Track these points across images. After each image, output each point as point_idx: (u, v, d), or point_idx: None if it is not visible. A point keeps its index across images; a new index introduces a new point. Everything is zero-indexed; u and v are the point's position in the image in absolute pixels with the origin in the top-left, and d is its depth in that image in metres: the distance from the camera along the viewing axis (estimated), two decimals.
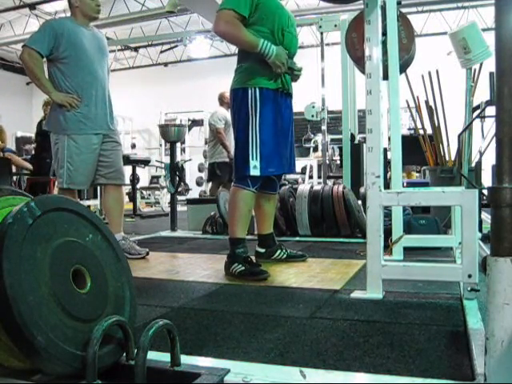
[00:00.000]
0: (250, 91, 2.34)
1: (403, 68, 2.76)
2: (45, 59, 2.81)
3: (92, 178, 2.93)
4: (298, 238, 3.62)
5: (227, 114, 5.62)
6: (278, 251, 2.71)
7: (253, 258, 2.39)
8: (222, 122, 5.76)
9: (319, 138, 8.52)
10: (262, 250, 2.71)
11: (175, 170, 4.28)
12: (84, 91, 2.83)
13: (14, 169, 6.17)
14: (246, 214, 2.41)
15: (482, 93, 3.60)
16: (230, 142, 5.45)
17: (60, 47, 2.77)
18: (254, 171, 2.33)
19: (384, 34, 2.40)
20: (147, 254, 2.97)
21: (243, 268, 2.28)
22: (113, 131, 3.00)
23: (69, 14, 3.00)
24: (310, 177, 8.90)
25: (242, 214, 2.38)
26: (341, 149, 4.88)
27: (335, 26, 4.85)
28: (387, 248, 2.39)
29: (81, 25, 2.87)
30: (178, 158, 5.08)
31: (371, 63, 1.92)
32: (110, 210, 3.02)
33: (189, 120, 11.86)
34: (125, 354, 1.10)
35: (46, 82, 2.80)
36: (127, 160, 6.49)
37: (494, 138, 1.02)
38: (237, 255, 2.34)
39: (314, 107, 5.74)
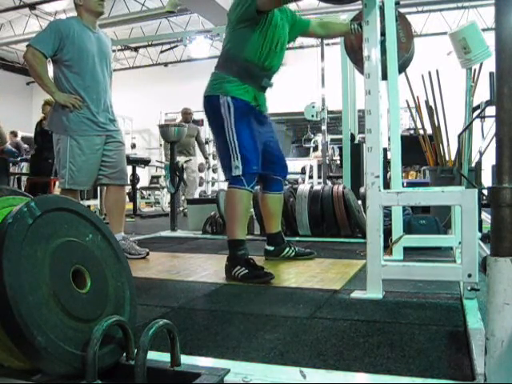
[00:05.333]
0: (221, 99, 2.36)
1: (402, 68, 2.76)
2: (49, 59, 2.82)
3: (94, 179, 2.93)
4: (298, 238, 3.62)
5: None
6: (287, 249, 2.76)
7: (255, 259, 2.37)
8: None
9: (319, 138, 8.53)
10: (271, 248, 2.77)
11: (175, 170, 4.28)
12: (86, 93, 2.83)
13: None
14: (244, 214, 2.40)
15: (482, 93, 3.60)
16: None
17: (64, 49, 2.77)
18: (236, 171, 2.34)
19: (383, 34, 2.41)
20: (147, 254, 2.97)
21: (246, 271, 2.23)
22: (116, 131, 3.00)
23: (69, 14, 3.00)
24: (310, 177, 8.90)
25: (239, 214, 2.37)
26: (341, 149, 4.89)
27: None
28: (387, 248, 2.39)
29: (87, 25, 2.87)
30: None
31: (370, 63, 1.92)
32: (111, 209, 3.02)
33: None
34: (125, 354, 1.10)
35: (48, 82, 2.80)
36: (127, 160, 6.49)
37: (494, 138, 1.02)
38: (238, 257, 2.30)
39: (314, 107, 5.74)
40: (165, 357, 1.11)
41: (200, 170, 10.46)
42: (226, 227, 2.44)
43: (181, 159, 7.24)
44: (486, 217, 3.58)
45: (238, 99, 2.36)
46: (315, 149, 10.18)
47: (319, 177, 8.16)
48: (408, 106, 4.33)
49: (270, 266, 2.51)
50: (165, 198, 8.75)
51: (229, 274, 2.30)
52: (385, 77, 2.48)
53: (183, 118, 7.33)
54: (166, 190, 7.26)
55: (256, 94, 2.43)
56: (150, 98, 13.10)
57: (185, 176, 4.81)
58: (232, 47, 2.41)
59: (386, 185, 2.84)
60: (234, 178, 2.36)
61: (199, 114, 11.64)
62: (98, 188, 5.91)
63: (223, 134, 2.37)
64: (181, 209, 6.57)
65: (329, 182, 5.91)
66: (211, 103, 2.41)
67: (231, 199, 2.39)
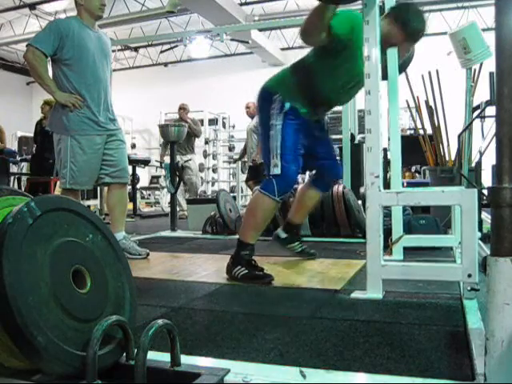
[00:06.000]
0: (277, 96, 2.30)
1: (402, 68, 2.76)
2: (49, 59, 2.82)
3: (95, 178, 2.93)
4: None
5: None
6: (296, 243, 2.76)
7: (256, 259, 2.36)
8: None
9: None
10: (284, 236, 2.74)
11: (175, 170, 4.28)
12: (87, 93, 2.83)
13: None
14: (263, 223, 2.36)
15: (482, 93, 3.61)
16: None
17: (64, 48, 2.77)
18: (275, 170, 2.25)
19: None
20: (147, 254, 2.97)
21: (246, 271, 2.23)
22: (117, 130, 3.00)
23: (69, 14, 3.01)
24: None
25: (258, 221, 2.33)
26: (341, 149, 4.88)
27: None
28: (387, 248, 2.39)
29: (86, 25, 2.87)
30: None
31: (370, 63, 1.92)
32: (113, 208, 3.01)
33: None
34: (125, 354, 1.10)
35: (49, 82, 2.80)
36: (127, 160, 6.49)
37: (494, 138, 1.02)
38: (241, 257, 2.29)
39: None
40: (165, 357, 1.11)
41: (200, 170, 10.44)
42: (241, 228, 2.40)
43: (178, 159, 7.07)
44: (486, 217, 3.58)
45: (295, 109, 2.31)
46: None
47: None
48: (408, 105, 4.33)
49: (271, 266, 2.51)
50: (165, 197, 8.75)
51: (229, 273, 2.30)
52: (385, 77, 2.48)
53: (178, 113, 7.24)
54: (165, 189, 7.23)
55: (313, 113, 2.41)
56: (150, 98, 13.10)
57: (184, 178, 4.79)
58: (314, 66, 2.32)
59: (386, 185, 2.84)
60: (268, 180, 2.28)
61: (199, 115, 11.69)
62: (98, 188, 5.92)
63: (268, 129, 2.30)
64: (178, 211, 6.45)
65: None
66: (265, 94, 2.36)
67: (256, 203, 2.32)
